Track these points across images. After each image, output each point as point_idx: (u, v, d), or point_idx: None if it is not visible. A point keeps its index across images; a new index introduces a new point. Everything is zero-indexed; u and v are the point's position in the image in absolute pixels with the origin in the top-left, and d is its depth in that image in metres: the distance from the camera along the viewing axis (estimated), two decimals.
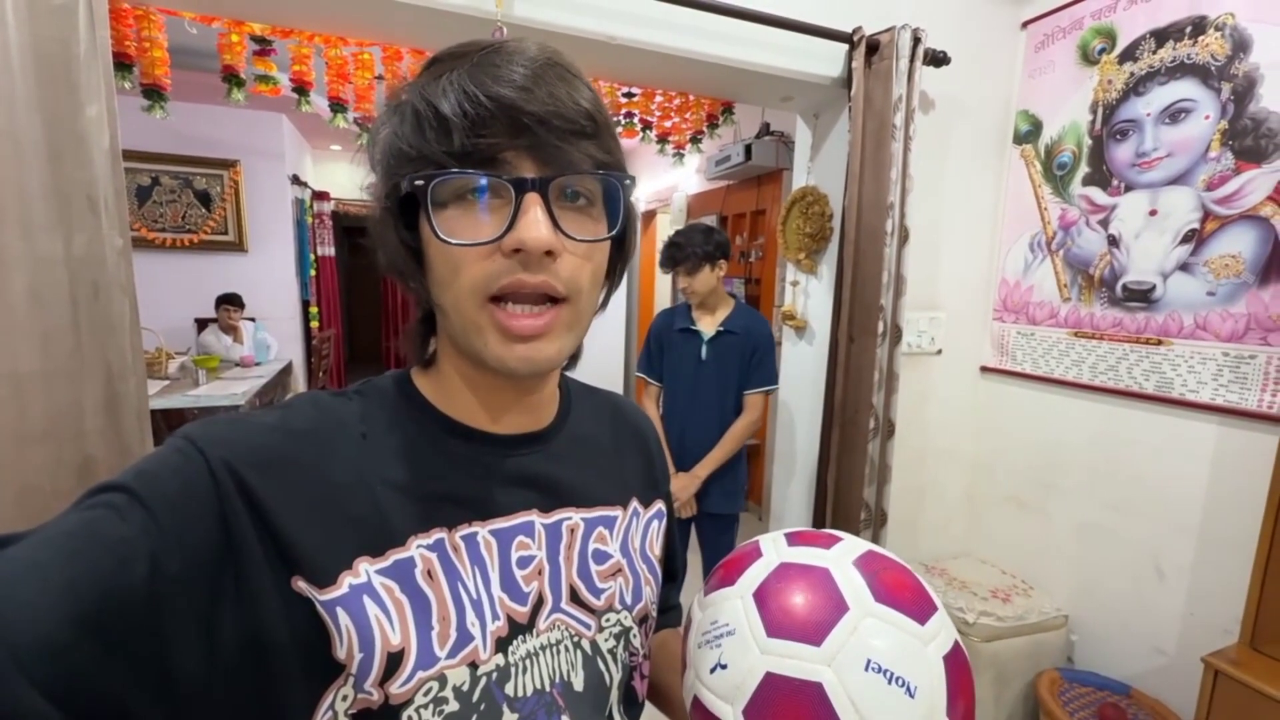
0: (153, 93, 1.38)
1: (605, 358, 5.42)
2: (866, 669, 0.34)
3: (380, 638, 0.36)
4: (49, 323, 1.00)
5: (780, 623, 0.36)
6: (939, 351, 2.02)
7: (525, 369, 0.39)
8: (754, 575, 0.40)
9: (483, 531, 0.42)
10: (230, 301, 3.83)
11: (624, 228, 0.42)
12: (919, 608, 0.37)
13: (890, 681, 0.34)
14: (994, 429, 2.08)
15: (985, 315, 2.08)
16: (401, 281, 0.42)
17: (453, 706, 0.38)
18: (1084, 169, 1.76)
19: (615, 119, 1.86)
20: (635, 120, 1.88)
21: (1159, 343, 1.58)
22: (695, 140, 1.95)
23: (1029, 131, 1.92)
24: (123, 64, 1.34)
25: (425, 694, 0.37)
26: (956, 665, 0.36)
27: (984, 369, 2.10)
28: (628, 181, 0.41)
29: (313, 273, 4.91)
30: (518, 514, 0.44)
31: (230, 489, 0.34)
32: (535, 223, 0.36)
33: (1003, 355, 2.04)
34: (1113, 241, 1.69)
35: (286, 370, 4.06)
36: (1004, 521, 2.06)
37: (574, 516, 0.47)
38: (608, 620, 0.47)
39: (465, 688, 0.39)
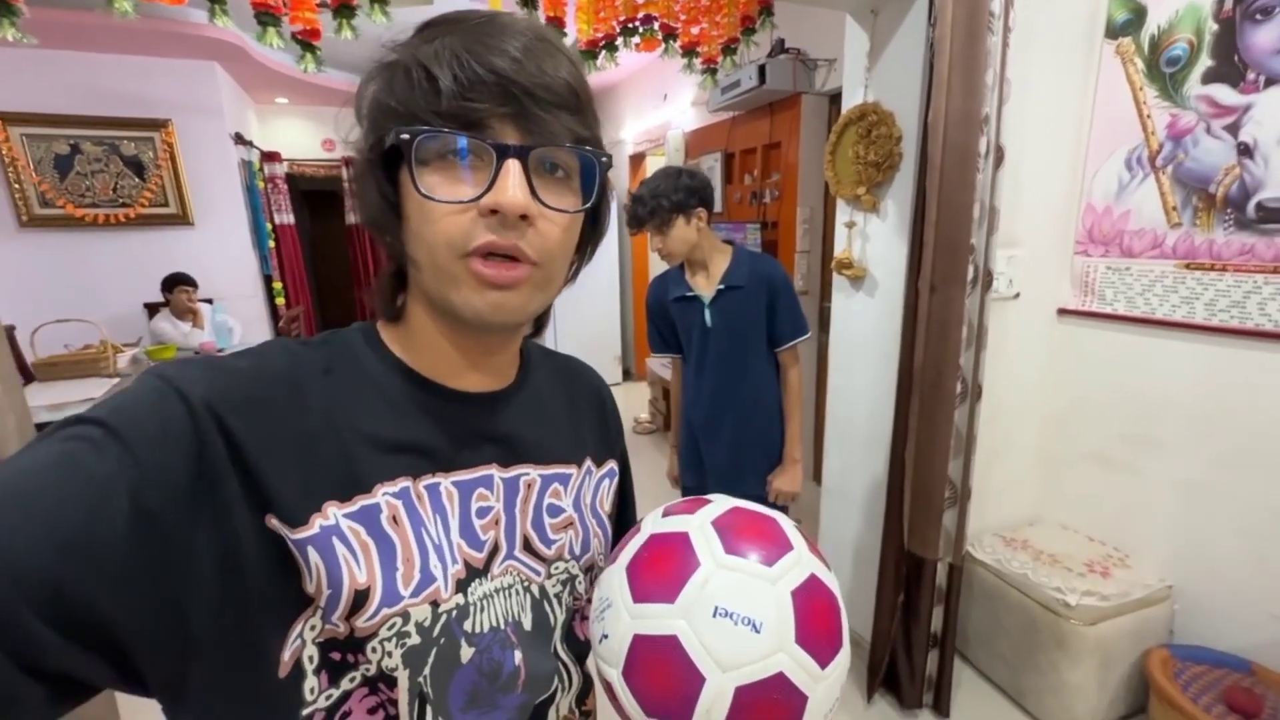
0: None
1: (600, 324, 5.08)
2: (714, 615, 0.37)
3: (348, 576, 0.38)
4: None
5: (643, 589, 0.40)
6: (1016, 295, 1.74)
7: (495, 316, 0.40)
8: (629, 550, 0.44)
9: (445, 482, 0.44)
10: (186, 281, 3.40)
11: (597, 203, 0.44)
12: (769, 552, 0.40)
13: (737, 622, 0.37)
14: (1072, 379, 1.83)
15: (1065, 250, 1.79)
16: (378, 234, 0.43)
17: (414, 640, 0.40)
18: (1205, 63, 1.44)
19: (631, 25, 1.49)
20: (655, 27, 1.49)
21: None
22: (729, 51, 1.57)
23: (1127, 21, 1.59)
24: None
25: (389, 628, 0.39)
26: (807, 597, 0.39)
27: (1062, 312, 1.83)
28: (605, 159, 0.42)
29: (271, 244, 4.44)
30: (479, 468, 0.46)
31: (210, 426, 0.34)
32: (513, 186, 0.37)
33: (1086, 295, 1.77)
34: (1244, 151, 1.39)
35: None
36: (1084, 482, 1.84)
37: (531, 472, 0.49)
38: (556, 568, 0.50)
39: (427, 623, 0.41)
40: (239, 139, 4.07)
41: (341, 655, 0.39)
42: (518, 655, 0.45)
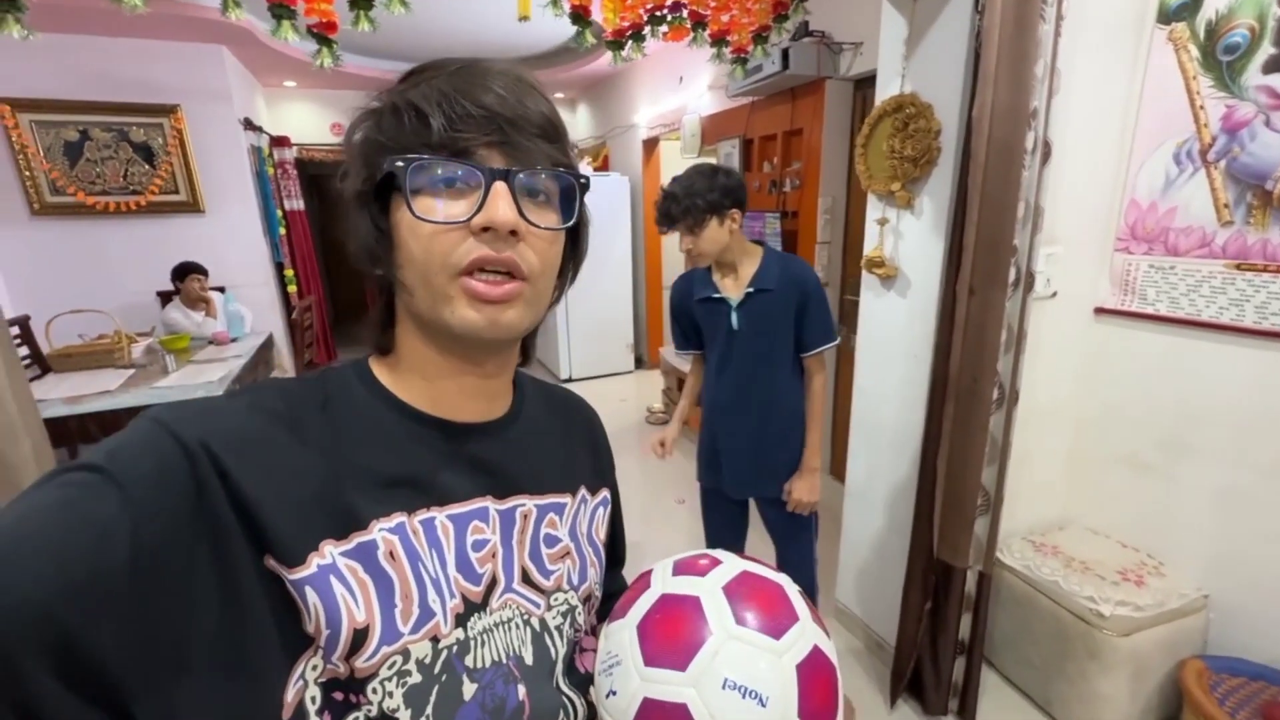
0: None
1: (612, 311, 5.03)
2: (724, 687, 0.38)
3: (346, 615, 0.38)
4: None
5: (654, 653, 0.41)
6: (1054, 295, 1.68)
7: (490, 331, 0.42)
8: (640, 607, 0.44)
9: (440, 516, 0.44)
10: (197, 270, 3.38)
11: (578, 224, 0.47)
12: (777, 624, 0.42)
13: (744, 696, 0.38)
14: (1107, 381, 1.77)
15: (1104, 247, 1.72)
16: (370, 265, 0.44)
17: (415, 678, 0.40)
18: (1267, 51, 1.36)
19: (659, 14, 1.42)
20: (684, 15, 1.42)
21: None
22: (760, 39, 1.50)
23: (1182, 6, 1.50)
24: None
25: (389, 667, 0.39)
26: (810, 670, 0.41)
27: (1099, 311, 1.76)
28: (583, 181, 0.45)
29: (282, 231, 4.40)
30: (474, 500, 0.46)
31: (208, 468, 0.35)
32: (503, 205, 0.39)
33: (1126, 294, 1.70)
34: None
35: (268, 345, 3.66)
36: (1116, 486, 1.79)
37: (527, 503, 0.50)
38: (556, 599, 0.50)
39: (427, 660, 0.41)
40: (248, 124, 4.01)
41: (344, 695, 0.39)
42: (521, 690, 0.45)
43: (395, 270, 0.42)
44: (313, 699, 0.38)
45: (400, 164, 0.39)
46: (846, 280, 2.87)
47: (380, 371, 0.46)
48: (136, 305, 3.80)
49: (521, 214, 0.40)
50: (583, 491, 0.55)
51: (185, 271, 3.36)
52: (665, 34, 1.43)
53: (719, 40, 1.50)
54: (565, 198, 0.44)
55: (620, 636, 0.43)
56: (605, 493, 0.59)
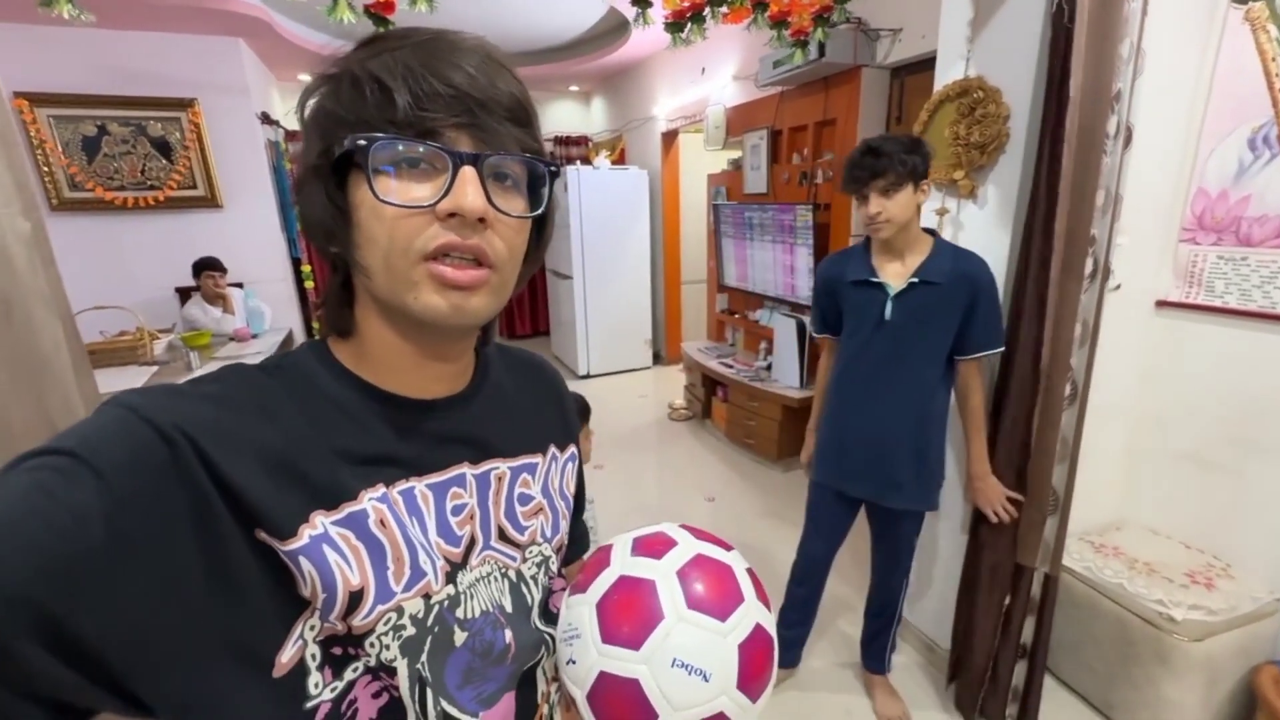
0: None
1: (629, 307, 4.97)
2: (672, 665, 0.43)
3: (341, 580, 0.39)
4: None
5: (611, 631, 0.45)
6: (1117, 287, 1.62)
7: (455, 318, 0.41)
8: (599, 585, 0.48)
9: (419, 485, 0.45)
10: (212, 267, 3.34)
11: (545, 211, 0.45)
12: (723, 606, 0.46)
13: (690, 673, 0.43)
14: (1169, 376, 1.71)
15: (1168, 238, 1.66)
16: (324, 242, 0.42)
17: (410, 631, 0.43)
18: None
19: None
20: None
21: None
22: (821, 20, 1.44)
23: None
24: None
25: (385, 623, 0.41)
26: (751, 648, 0.45)
27: (1161, 304, 1.70)
28: (553, 168, 0.44)
29: (300, 226, 4.35)
30: (451, 468, 0.48)
31: (187, 452, 0.34)
32: (471, 191, 0.38)
33: (1191, 286, 1.64)
34: None
35: (288, 341, 3.62)
36: (1177, 484, 1.73)
37: (501, 466, 0.51)
38: (531, 552, 0.53)
39: (420, 615, 0.43)
40: (265, 118, 3.97)
41: (343, 649, 0.41)
42: (508, 633, 0.49)
43: (353, 250, 0.41)
44: (313, 656, 0.39)
45: (362, 142, 0.37)
46: None
47: (341, 353, 0.45)
48: (155, 301, 3.76)
49: (490, 200, 0.39)
50: (552, 449, 0.57)
51: (201, 268, 3.33)
52: (725, 15, 1.37)
53: (779, 22, 1.44)
54: (533, 184, 0.43)
55: (580, 611, 0.47)
56: (572, 448, 0.61)
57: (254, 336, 3.34)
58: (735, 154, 3.69)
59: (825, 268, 1.54)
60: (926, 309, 1.37)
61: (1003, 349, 1.38)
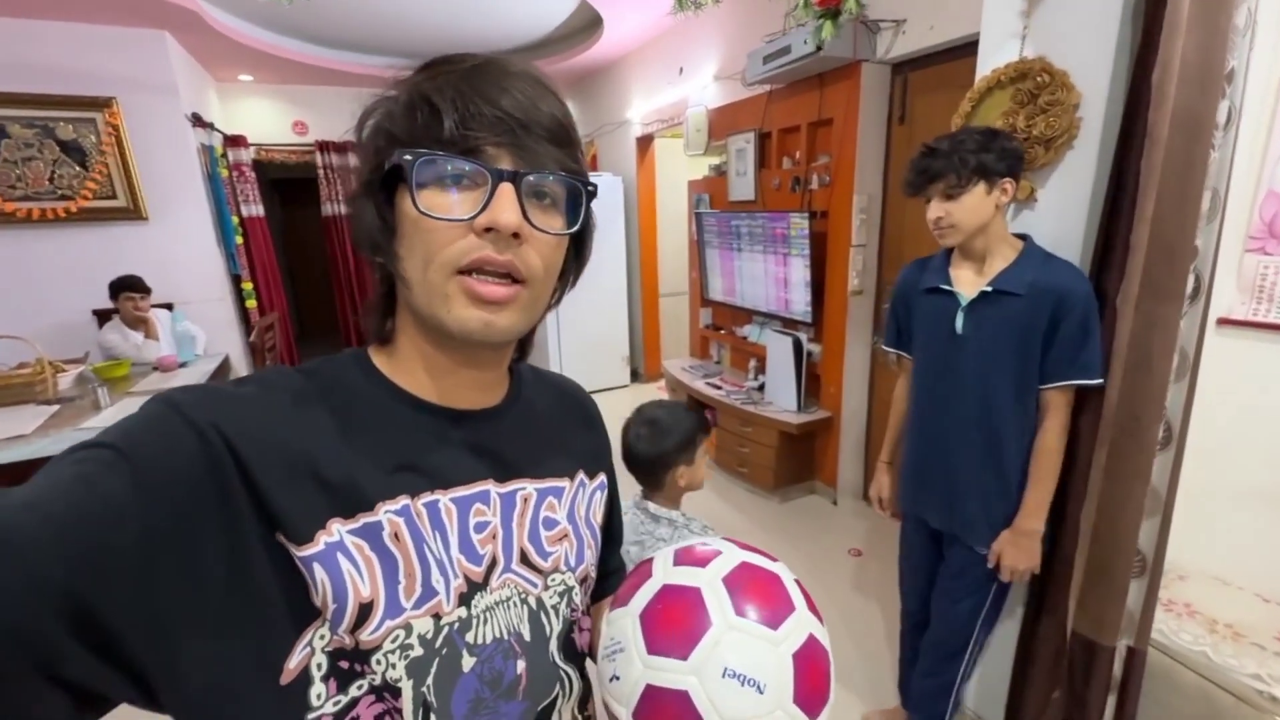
0: None
1: (607, 323, 4.69)
2: (724, 676, 0.40)
3: (352, 590, 0.39)
4: None
5: (657, 641, 0.42)
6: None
7: (484, 333, 0.42)
8: (642, 596, 0.45)
9: (444, 499, 0.45)
10: (130, 287, 2.92)
11: (583, 230, 0.47)
12: (775, 614, 0.43)
13: (743, 684, 0.39)
14: (1232, 403, 1.51)
15: (1233, 246, 1.46)
16: (372, 254, 0.44)
17: (417, 651, 0.42)
18: None
19: None
20: None
21: None
22: (829, 14, 1.19)
23: None
24: None
25: (393, 640, 0.41)
26: (805, 658, 0.42)
27: (1224, 322, 1.50)
28: (590, 188, 0.45)
29: (239, 240, 3.95)
30: (476, 483, 0.47)
31: (220, 449, 0.36)
32: (507, 207, 0.40)
33: (1259, 303, 1.44)
34: None
35: (223, 367, 3.23)
36: (1245, 526, 1.52)
37: (528, 487, 0.51)
38: (553, 580, 0.51)
39: (429, 635, 0.43)
40: (197, 120, 3.57)
41: (350, 664, 0.40)
42: (520, 664, 0.47)
43: (396, 261, 0.43)
44: (319, 665, 0.39)
45: (408, 158, 0.39)
46: (884, 287, 2.59)
47: (379, 360, 0.47)
48: (70, 326, 3.32)
49: (526, 216, 0.40)
50: (581, 476, 0.56)
51: (118, 289, 2.91)
52: None
53: None
54: (571, 202, 0.44)
55: (623, 624, 0.44)
56: (603, 477, 0.60)
57: (182, 365, 2.94)
58: (718, 159, 3.46)
59: (903, 274, 1.38)
60: (1001, 323, 1.17)
61: (1098, 382, 1.14)
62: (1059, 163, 1.20)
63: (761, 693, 0.39)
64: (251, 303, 4.07)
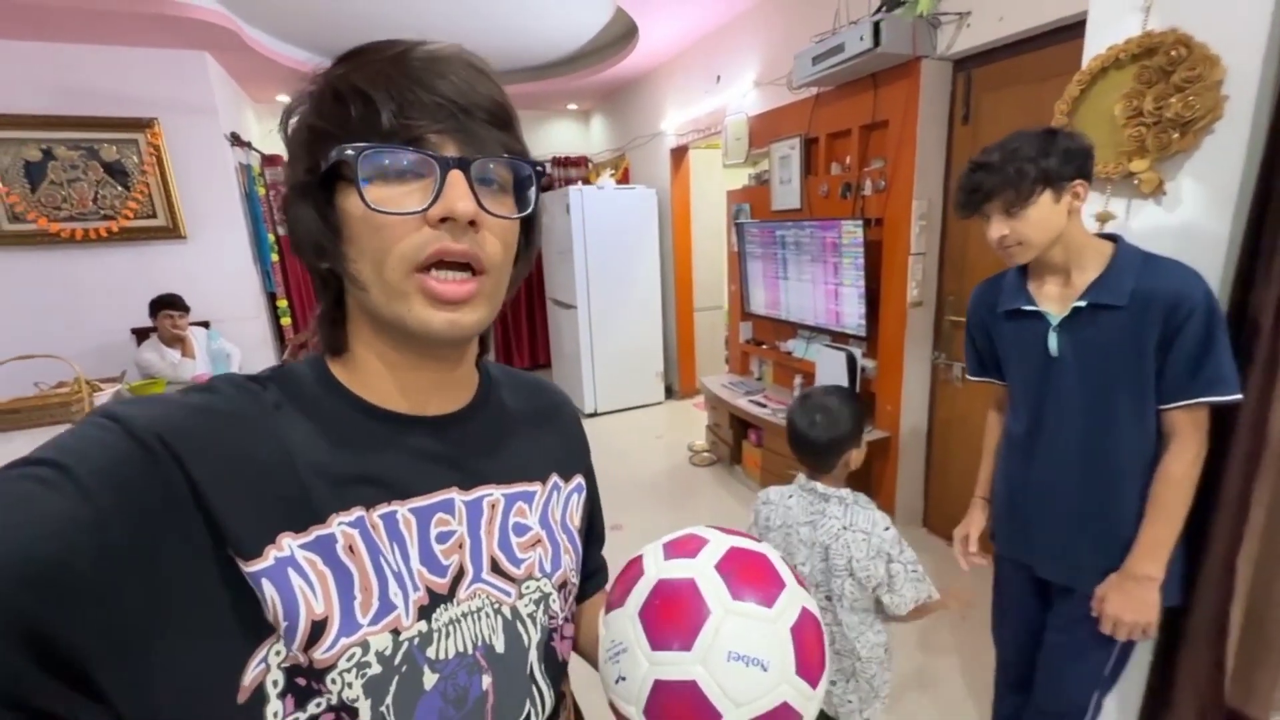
0: None
1: (640, 337, 4.57)
2: (728, 660, 0.40)
3: (304, 607, 0.38)
4: None
5: (659, 636, 0.42)
6: None
7: (449, 333, 0.41)
8: (638, 595, 0.45)
9: (402, 510, 0.44)
10: (169, 305, 2.92)
11: (534, 212, 0.46)
12: (768, 594, 0.44)
13: (748, 665, 0.41)
14: None
15: None
16: (316, 259, 0.42)
17: (375, 669, 0.40)
18: None
19: None
20: None
21: None
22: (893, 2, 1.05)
23: None
24: None
25: (349, 659, 0.39)
26: (802, 632, 0.43)
27: None
28: (539, 168, 0.44)
29: (275, 258, 3.95)
30: (438, 492, 0.46)
31: (165, 458, 0.35)
32: (461, 195, 0.38)
33: None
34: None
35: None
36: None
37: (494, 493, 0.49)
38: (527, 587, 0.49)
39: (387, 652, 0.41)
40: (235, 140, 3.59)
41: (306, 681, 0.39)
42: (486, 680, 0.45)
43: (345, 264, 0.41)
44: (274, 682, 0.38)
45: (350, 153, 0.37)
46: (945, 298, 2.42)
47: (337, 369, 0.45)
48: (110, 345, 3.34)
49: (479, 203, 0.39)
50: (554, 479, 0.55)
51: (158, 307, 2.90)
52: None
53: None
54: (519, 186, 0.44)
55: (622, 625, 0.44)
56: (579, 479, 0.58)
57: None
58: (756, 167, 3.33)
59: (974, 297, 1.22)
60: (1103, 340, 1.01)
61: (1235, 397, 0.96)
62: (1196, 149, 1.03)
63: (766, 670, 0.41)
64: (286, 320, 4.07)
